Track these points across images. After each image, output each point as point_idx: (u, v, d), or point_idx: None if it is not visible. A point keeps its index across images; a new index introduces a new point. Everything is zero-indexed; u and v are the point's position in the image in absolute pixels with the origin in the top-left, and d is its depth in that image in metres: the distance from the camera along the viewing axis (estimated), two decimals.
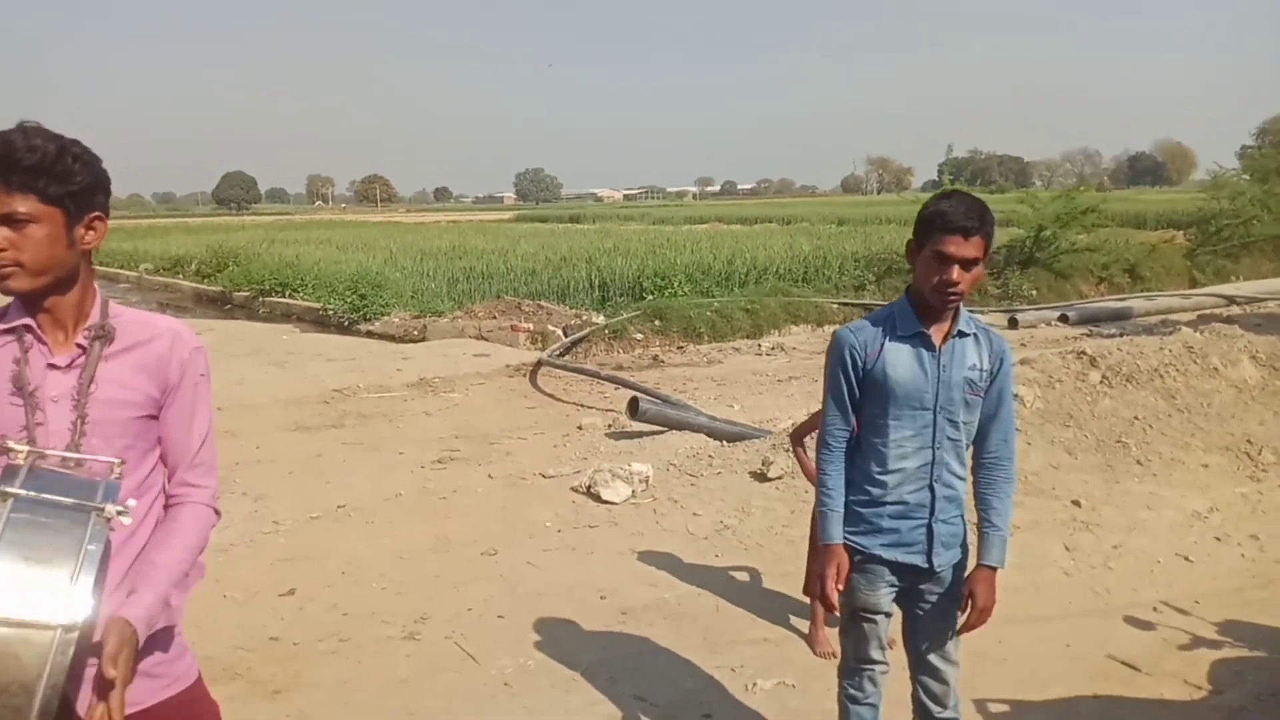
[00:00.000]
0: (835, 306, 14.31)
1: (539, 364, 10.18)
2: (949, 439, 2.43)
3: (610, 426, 7.67)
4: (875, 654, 2.60)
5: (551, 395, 9.20)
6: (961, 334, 2.42)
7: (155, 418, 1.73)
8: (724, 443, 6.75)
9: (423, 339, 13.12)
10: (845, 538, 2.50)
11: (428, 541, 5.16)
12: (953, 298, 2.34)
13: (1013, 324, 13.16)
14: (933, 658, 2.56)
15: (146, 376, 1.70)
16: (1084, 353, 6.65)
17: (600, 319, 13.26)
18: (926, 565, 2.46)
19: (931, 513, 2.44)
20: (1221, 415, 6.21)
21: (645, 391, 8.06)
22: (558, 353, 11.12)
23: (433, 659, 3.80)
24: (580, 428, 7.72)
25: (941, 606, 2.53)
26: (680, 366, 10.94)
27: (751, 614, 4.17)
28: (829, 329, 13.55)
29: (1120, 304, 14.56)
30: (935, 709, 2.59)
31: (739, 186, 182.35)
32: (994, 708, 3.34)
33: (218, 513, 1.79)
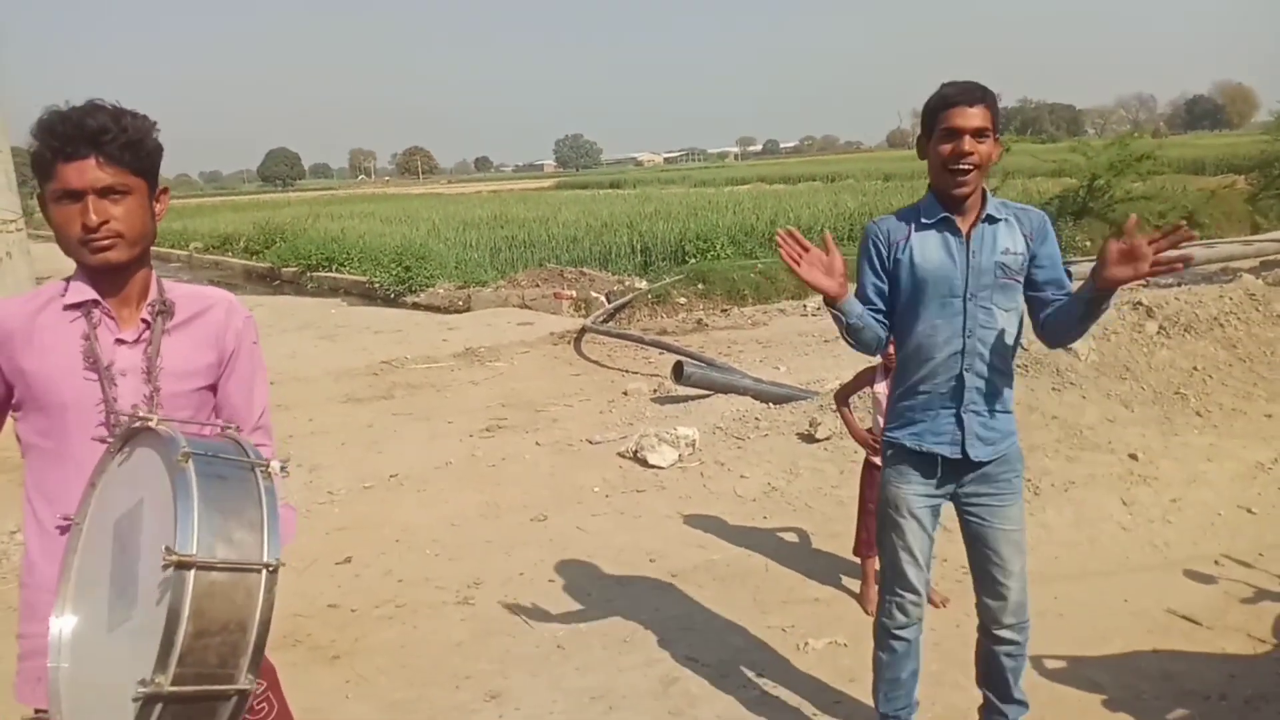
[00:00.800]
0: None
1: (583, 330, 10.20)
2: (982, 327, 2.40)
3: (655, 391, 7.67)
4: (908, 570, 2.54)
5: (596, 362, 9.22)
6: (991, 219, 2.41)
7: (213, 388, 1.79)
8: (770, 405, 6.71)
9: (467, 309, 13.23)
10: (884, 432, 2.57)
11: (478, 508, 5.23)
12: (968, 170, 2.31)
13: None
14: (992, 569, 2.53)
15: (207, 347, 1.77)
16: (1140, 303, 6.47)
17: (643, 284, 13.22)
18: (959, 455, 2.43)
19: (961, 402, 2.42)
20: None
21: (690, 355, 8.04)
22: (601, 319, 11.12)
23: (486, 622, 3.87)
24: (626, 393, 7.74)
25: (991, 508, 2.50)
26: (724, 330, 10.89)
27: (801, 574, 4.16)
28: None
29: (1178, 252, 14.10)
30: (993, 627, 2.58)
31: (782, 145, 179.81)
32: (1050, 664, 3.30)
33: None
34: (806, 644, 3.52)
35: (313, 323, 12.70)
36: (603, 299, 12.48)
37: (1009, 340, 2.45)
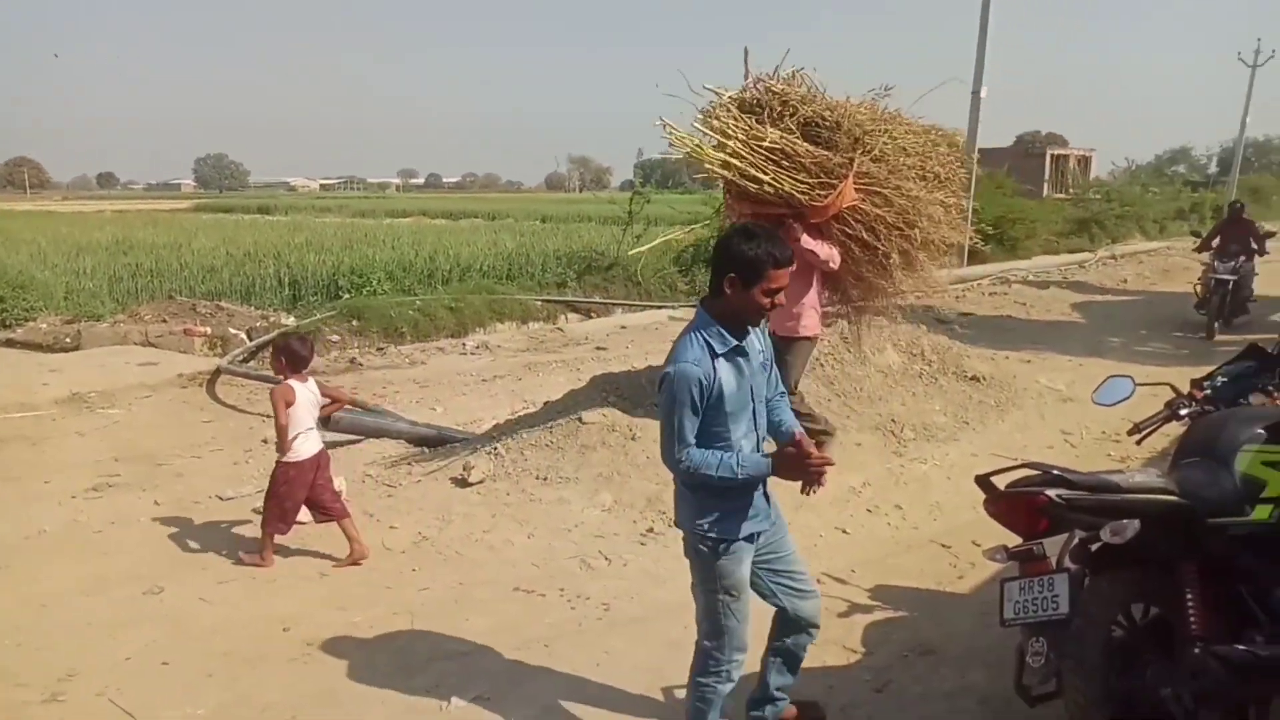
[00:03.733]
0: (539, 303, 14.47)
1: (218, 372, 9.33)
2: (758, 415, 2.89)
3: None
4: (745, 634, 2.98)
5: (233, 406, 8.45)
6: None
7: None
8: (425, 449, 6.57)
9: (76, 347, 11.51)
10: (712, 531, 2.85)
11: (78, 584, 4.53)
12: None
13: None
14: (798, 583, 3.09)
15: None
16: None
17: (290, 320, 12.41)
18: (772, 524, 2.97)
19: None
20: (871, 398, 7.01)
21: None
22: (240, 359, 10.25)
23: None
24: (265, 441, 7.15)
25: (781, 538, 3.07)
26: (380, 369, 10.51)
27: (448, 628, 4.07)
28: (534, 325, 13.68)
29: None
30: (814, 629, 3.12)
31: (444, 179, 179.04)
32: (681, 694, 3.51)
33: None
34: (450, 702, 3.44)
35: None
36: (243, 336, 11.50)
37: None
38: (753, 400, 2.85)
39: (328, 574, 4.66)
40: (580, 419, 6.17)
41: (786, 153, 5.32)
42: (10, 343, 12.07)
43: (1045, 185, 36.95)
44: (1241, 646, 2.74)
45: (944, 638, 4.00)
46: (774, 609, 3.12)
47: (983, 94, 14.96)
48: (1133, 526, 2.69)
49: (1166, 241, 29.73)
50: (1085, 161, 42.24)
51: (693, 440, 2.72)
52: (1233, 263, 11.77)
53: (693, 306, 14.55)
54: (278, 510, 4.76)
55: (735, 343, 2.76)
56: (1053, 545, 2.91)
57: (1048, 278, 18.78)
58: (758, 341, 2.90)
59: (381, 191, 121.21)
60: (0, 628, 4.07)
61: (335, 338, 11.82)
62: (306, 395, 4.81)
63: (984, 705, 3.45)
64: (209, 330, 11.59)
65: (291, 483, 4.74)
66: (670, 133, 5.47)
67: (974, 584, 4.54)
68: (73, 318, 12.57)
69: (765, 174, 5.27)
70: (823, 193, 5.31)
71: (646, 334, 12.94)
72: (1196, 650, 2.70)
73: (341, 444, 6.83)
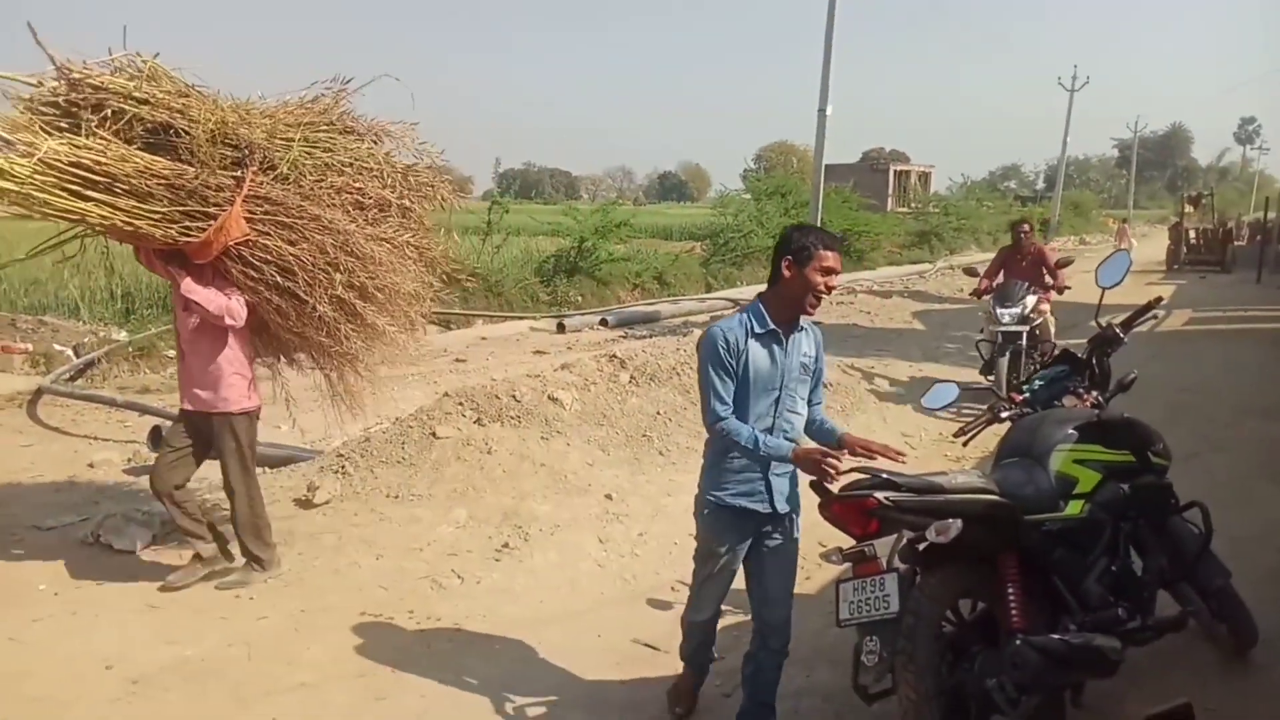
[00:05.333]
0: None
1: (39, 392, 8.63)
2: (781, 405, 3.11)
3: (130, 461, 6.73)
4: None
5: (56, 429, 7.83)
6: (800, 328, 3.14)
7: None
8: (266, 469, 6.27)
9: None
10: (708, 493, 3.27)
11: None
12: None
13: (561, 329, 14.04)
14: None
15: None
16: (615, 355, 7.27)
17: (123, 335, 11.63)
18: (769, 510, 3.14)
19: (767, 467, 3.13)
20: None
21: (172, 418, 7.19)
22: (66, 377, 9.51)
23: None
24: (91, 465, 6.67)
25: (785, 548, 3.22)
26: None
27: (288, 658, 3.88)
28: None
29: (650, 308, 16.26)
30: (774, 641, 3.20)
31: None
32: (531, 711, 3.48)
33: None
34: None
35: None
36: (70, 353, 10.69)
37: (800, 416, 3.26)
38: (780, 390, 3.09)
39: (157, 605, 4.36)
40: (434, 434, 6.03)
41: (114, 173, 3.90)
42: None
43: (889, 199, 38.96)
44: (1056, 636, 2.94)
45: (791, 639, 4.10)
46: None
47: (828, 111, 15.60)
48: (956, 525, 2.84)
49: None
50: (926, 177, 44.84)
51: (729, 400, 3.05)
52: (1017, 308, 8.38)
53: (555, 317, 14.57)
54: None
55: (772, 326, 3.07)
56: (883, 546, 3.04)
57: (890, 287, 19.76)
58: (805, 344, 3.15)
59: None
60: None
61: (172, 353, 11.14)
62: None
63: (829, 702, 3.56)
64: (30, 347, 10.70)
65: None
66: None
67: (820, 584, 4.69)
68: None
69: (86, 201, 3.89)
70: (195, 225, 4.05)
71: (507, 345, 12.82)
72: (1017, 642, 2.88)
73: None
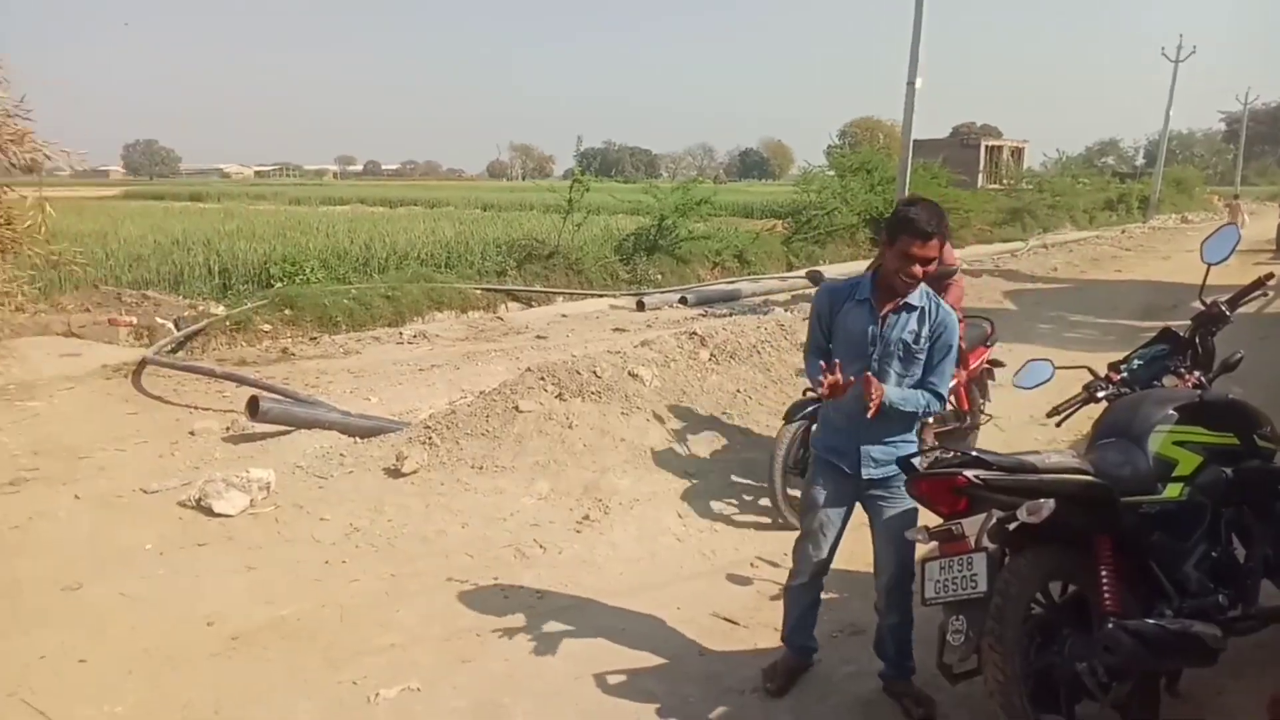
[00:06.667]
0: (479, 292, 14.32)
1: (144, 362, 9.05)
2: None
3: (228, 430, 7.01)
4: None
5: (159, 398, 8.21)
6: (909, 306, 3.11)
7: None
8: (357, 439, 6.47)
9: None
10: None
11: None
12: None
13: (640, 306, 14.07)
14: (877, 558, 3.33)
15: None
16: (695, 333, 7.25)
17: (220, 309, 12.09)
18: (855, 474, 3.22)
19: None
20: None
21: (269, 388, 7.47)
22: (168, 349, 9.95)
23: None
24: (193, 433, 6.98)
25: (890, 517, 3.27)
26: (314, 359, 10.30)
27: (378, 621, 4.01)
28: (473, 314, 13.54)
29: (730, 286, 16.14)
30: (890, 616, 3.31)
31: (383, 167, 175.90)
32: (611, 680, 3.52)
33: None
34: (378, 695, 3.39)
35: None
36: (171, 326, 11.18)
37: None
38: (872, 360, 3.10)
39: (255, 566, 4.55)
40: (517, 408, 6.13)
41: None
42: None
43: (980, 176, 37.73)
44: (1151, 621, 2.84)
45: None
46: None
47: (918, 85, 15.15)
48: (1048, 506, 2.76)
49: (1095, 231, 30.58)
50: (1019, 153, 43.24)
51: (816, 352, 3.22)
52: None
53: (634, 295, 14.59)
54: None
55: (868, 296, 3.13)
56: (971, 525, 2.97)
57: (981, 266, 19.18)
58: (912, 323, 3.11)
59: (318, 179, 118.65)
60: None
61: (267, 327, 11.56)
62: None
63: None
64: (135, 320, 11.24)
65: None
66: None
67: None
68: None
69: None
70: None
71: (587, 323, 12.91)
72: (1110, 625, 2.79)
73: (271, 435, 6.70)
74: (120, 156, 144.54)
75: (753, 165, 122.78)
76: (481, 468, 5.62)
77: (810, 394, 4.93)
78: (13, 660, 3.64)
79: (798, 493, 4.63)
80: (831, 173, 23.49)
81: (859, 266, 17.00)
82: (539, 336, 11.63)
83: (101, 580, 4.39)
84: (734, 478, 5.71)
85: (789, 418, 4.99)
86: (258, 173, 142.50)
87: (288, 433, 6.73)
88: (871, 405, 2.96)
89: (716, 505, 5.35)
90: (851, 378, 2.99)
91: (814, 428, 3.49)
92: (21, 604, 4.16)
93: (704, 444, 5.99)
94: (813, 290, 5.17)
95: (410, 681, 3.47)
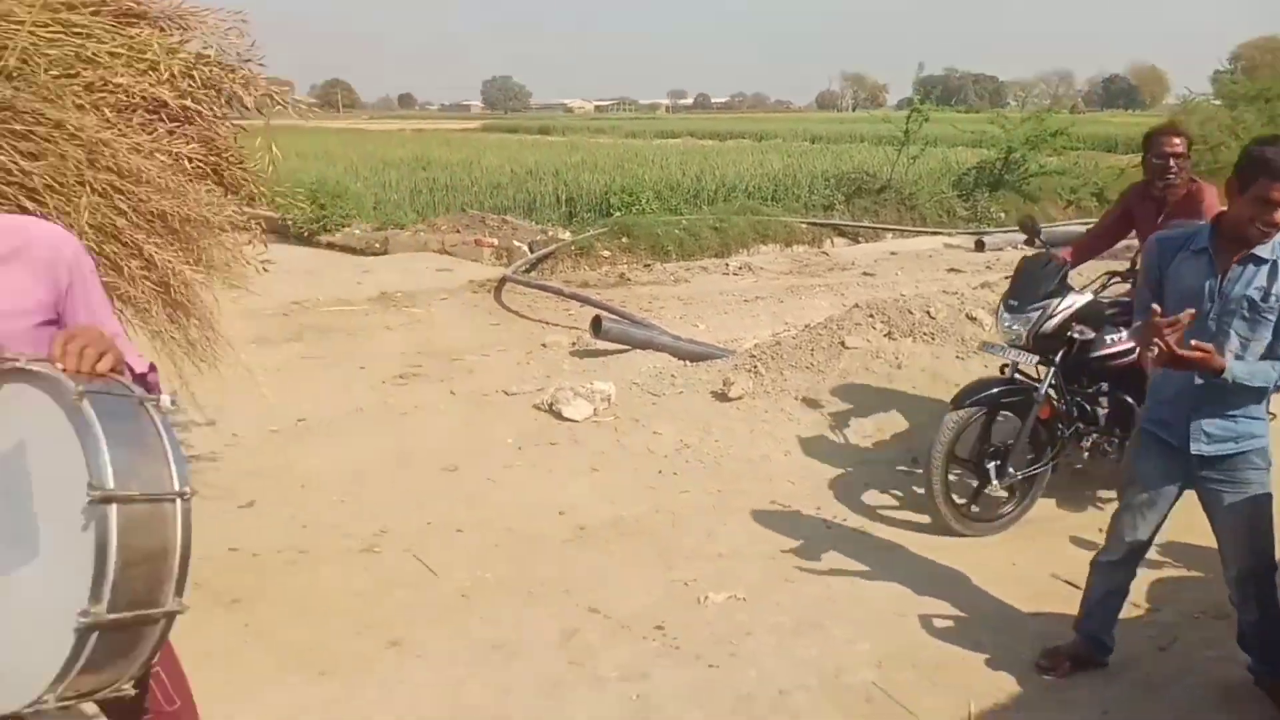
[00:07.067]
0: (804, 226, 14.25)
1: (503, 280, 10.07)
2: (1227, 349, 2.67)
3: (574, 344, 7.65)
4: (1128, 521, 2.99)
5: (516, 312, 9.13)
6: (1257, 259, 2.66)
7: (55, 323, 1.72)
8: (686, 362, 6.77)
9: (384, 252, 12.90)
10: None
11: (388, 457, 5.17)
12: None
13: (979, 246, 13.21)
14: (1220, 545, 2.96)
15: (36, 282, 1.70)
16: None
17: (567, 235, 13.09)
18: (1183, 449, 2.81)
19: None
20: None
21: (610, 310, 8.03)
22: (523, 269, 11.00)
23: (391, 572, 3.84)
24: (544, 345, 7.70)
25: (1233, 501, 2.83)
26: (647, 285, 10.89)
27: (705, 530, 4.24)
28: (798, 249, 13.52)
29: (1085, 227, 14.65)
30: (1243, 611, 2.99)
31: (713, 100, 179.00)
32: (939, 624, 3.45)
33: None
34: (706, 597, 3.60)
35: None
36: (525, 248, 12.32)
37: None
38: (1209, 320, 2.66)
39: (598, 469, 4.98)
40: (843, 344, 6.07)
41: None
42: (331, 245, 13.72)
43: None
44: None
45: None
46: None
47: None
48: None
49: None
50: None
51: (1143, 310, 2.71)
52: (1033, 314, 4.23)
53: (973, 234, 13.67)
54: None
55: (1205, 245, 2.71)
56: None
57: None
58: (1260, 278, 2.64)
59: (651, 113, 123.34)
60: (328, 486, 4.74)
61: (606, 253, 12.36)
62: None
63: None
64: (496, 241, 12.53)
65: None
66: None
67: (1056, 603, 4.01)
68: (380, 226, 14.05)
69: None
70: None
71: (918, 261, 12.39)
72: None
73: (611, 353, 7.21)
74: (480, 93, 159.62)
75: (1118, 93, 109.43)
76: (805, 400, 5.67)
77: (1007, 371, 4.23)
78: (408, 523, 4.30)
79: (962, 499, 4.24)
80: (1218, 103, 20.29)
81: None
82: (866, 273, 11.38)
83: (473, 465, 5.03)
84: None
85: (958, 403, 4.13)
86: (597, 107, 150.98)
87: (625, 351, 7.20)
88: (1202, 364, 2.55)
89: None
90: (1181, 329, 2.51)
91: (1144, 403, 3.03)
92: (411, 477, 4.89)
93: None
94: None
95: (736, 590, 3.65)
